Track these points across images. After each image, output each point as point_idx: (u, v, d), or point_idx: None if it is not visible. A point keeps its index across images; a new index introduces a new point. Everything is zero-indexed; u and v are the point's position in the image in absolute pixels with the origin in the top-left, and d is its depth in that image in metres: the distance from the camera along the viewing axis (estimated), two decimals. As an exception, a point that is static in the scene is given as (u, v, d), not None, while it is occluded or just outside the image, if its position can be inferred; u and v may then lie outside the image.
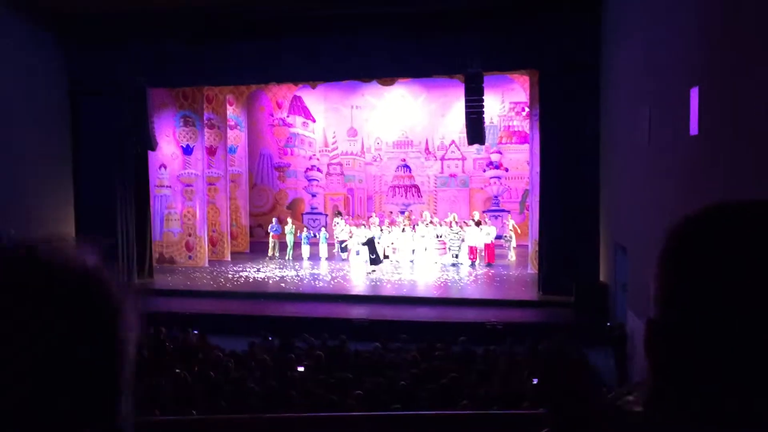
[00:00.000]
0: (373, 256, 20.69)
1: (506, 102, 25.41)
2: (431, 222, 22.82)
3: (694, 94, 8.57)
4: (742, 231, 0.87)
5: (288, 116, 27.25)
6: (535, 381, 9.00)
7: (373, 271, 20.32)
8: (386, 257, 21.95)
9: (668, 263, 0.91)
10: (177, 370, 9.47)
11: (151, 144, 19.04)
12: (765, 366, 0.82)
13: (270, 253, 23.58)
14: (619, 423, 1.67)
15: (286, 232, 23.59)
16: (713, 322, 0.85)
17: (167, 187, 22.29)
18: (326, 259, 22.98)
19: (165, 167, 22.23)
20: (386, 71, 18.69)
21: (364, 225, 23.26)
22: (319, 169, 27.43)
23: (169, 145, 22.02)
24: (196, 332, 12.75)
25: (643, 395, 0.93)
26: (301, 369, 9.87)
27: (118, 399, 0.93)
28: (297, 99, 27.12)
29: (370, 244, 21.02)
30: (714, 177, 7.90)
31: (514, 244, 22.57)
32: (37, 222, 17.99)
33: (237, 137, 25.72)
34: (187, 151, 22.17)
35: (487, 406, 7.43)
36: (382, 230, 22.47)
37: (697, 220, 0.91)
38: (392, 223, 23.40)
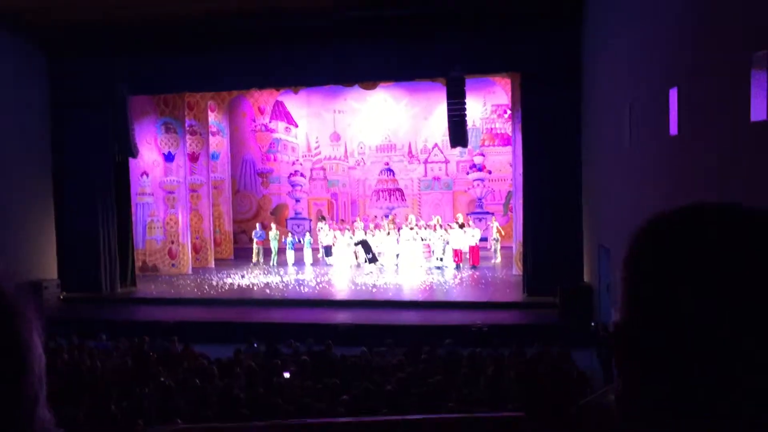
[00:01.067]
0: (370, 255, 20.99)
1: (488, 105, 25.50)
2: (416, 225, 22.86)
3: (673, 94, 8.66)
4: (704, 233, 0.88)
5: (270, 122, 27.18)
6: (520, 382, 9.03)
7: (371, 269, 20.60)
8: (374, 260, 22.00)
9: (631, 266, 0.92)
10: (161, 379, 9.40)
11: (132, 151, 18.94)
12: (729, 369, 0.84)
13: (254, 259, 23.50)
14: (600, 423, 1.69)
15: (270, 237, 23.52)
16: (675, 325, 0.86)
17: (149, 194, 22.16)
18: (311, 264, 22.94)
19: (147, 174, 22.11)
20: (369, 75, 18.71)
21: (348, 229, 23.25)
22: (302, 174, 27.37)
23: (150, 152, 21.90)
24: (179, 341, 12.65)
25: (616, 397, 0.95)
26: (287, 375, 9.84)
27: (29, 408, 0.93)
28: (279, 104, 27.06)
29: (365, 244, 21.21)
30: (694, 177, 7.99)
31: (498, 246, 22.65)
32: (18, 231, 17.82)
33: (219, 143, 25.63)
34: (168, 158, 22.06)
35: (473, 409, 7.45)
36: (366, 234, 22.48)
37: (659, 222, 0.93)
38: (377, 227, 23.41)
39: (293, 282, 20.03)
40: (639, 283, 0.91)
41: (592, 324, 13.80)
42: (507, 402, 7.89)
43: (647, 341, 0.89)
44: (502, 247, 22.52)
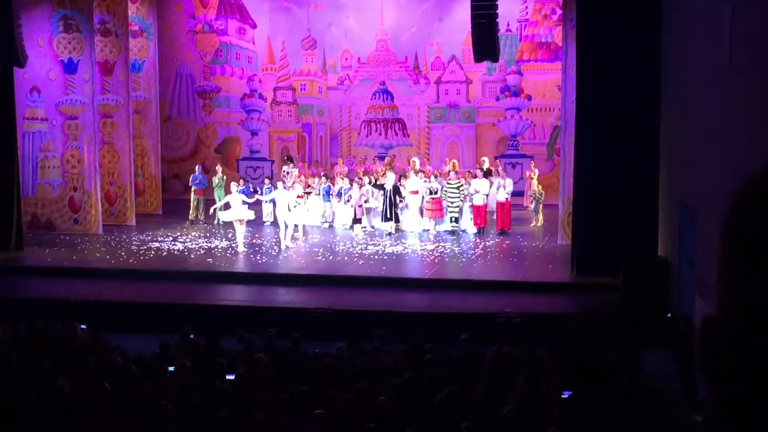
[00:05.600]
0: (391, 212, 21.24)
1: (530, 2, 25.30)
2: (422, 171, 22.84)
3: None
4: None
5: (217, 19, 26.93)
6: (566, 394, 9.10)
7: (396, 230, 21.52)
8: (358, 221, 22.03)
9: (734, 238, 0.90)
10: (59, 381, 9.46)
11: (17, 58, 18.77)
12: None
13: (192, 214, 23.53)
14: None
15: (214, 185, 23.51)
16: None
17: (41, 119, 22.05)
18: (271, 224, 22.97)
19: (38, 91, 21.97)
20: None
21: (325, 177, 23.20)
22: (261, 96, 27.21)
23: (43, 59, 21.73)
24: (85, 327, 12.72)
25: (707, 415, 0.94)
26: (231, 377, 9.88)
27: None
28: (230, -6, 26.79)
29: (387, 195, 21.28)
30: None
31: (540, 203, 22.71)
32: None
33: (143, 49, 25.41)
34: (69, 68, 21.89)
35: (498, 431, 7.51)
36: (351, 184, 22.46)
37: None
38: (367, 173, 23.35)
39: (246, 249, 20.10)
40: (741, 264, 0.88)
41: (669, 315, 13.88)
42: (546, 424, 7.96)
43: (748, 347, 0.87)
44: (544, 206, 22.57)
